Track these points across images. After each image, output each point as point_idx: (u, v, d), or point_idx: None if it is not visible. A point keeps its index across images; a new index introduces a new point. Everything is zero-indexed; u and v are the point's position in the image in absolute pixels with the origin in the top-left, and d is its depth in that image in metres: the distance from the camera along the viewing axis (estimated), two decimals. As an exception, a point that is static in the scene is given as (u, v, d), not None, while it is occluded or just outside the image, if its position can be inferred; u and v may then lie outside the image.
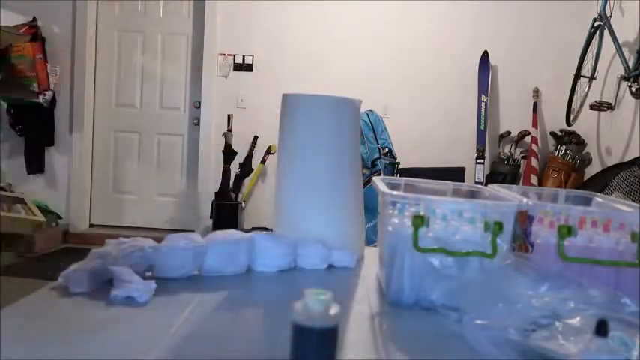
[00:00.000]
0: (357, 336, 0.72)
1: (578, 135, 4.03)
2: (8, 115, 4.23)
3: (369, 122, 3.85)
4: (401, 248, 0.84)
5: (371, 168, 3.75)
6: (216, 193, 4.18)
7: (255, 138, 4.31)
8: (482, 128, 4.17)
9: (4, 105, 4.24)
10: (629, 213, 0.91)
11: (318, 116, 1.12)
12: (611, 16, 3.44)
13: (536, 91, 4.21)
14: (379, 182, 1.01)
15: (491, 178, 4.09)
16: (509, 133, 4.25)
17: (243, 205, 4.26)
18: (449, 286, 0.80)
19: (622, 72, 3.34)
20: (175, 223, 4.54)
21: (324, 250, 1.06)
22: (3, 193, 4.04)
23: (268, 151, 4.28)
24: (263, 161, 4.32)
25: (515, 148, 4.23)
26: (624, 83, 3.36)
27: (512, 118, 4.28)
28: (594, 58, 3.61)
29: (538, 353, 0.61)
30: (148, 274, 0.94)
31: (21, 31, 4.06)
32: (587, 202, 1.10)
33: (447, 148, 4.28)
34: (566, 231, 0.80)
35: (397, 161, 3.86)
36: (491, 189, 1.05)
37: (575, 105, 3.85)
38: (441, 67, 4.27)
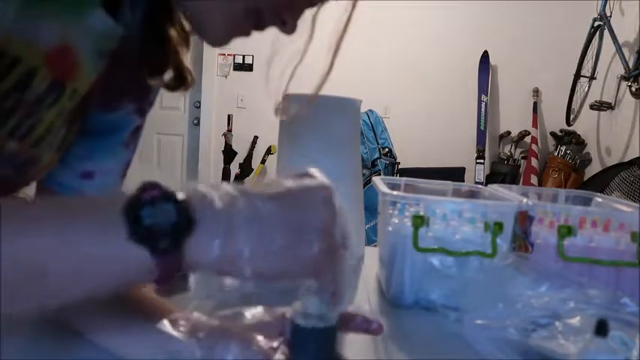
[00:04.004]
0: (357, 336, 0.72)
1: (578, 135, 4.03)
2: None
3: (369, 122, 3.85)
4: (401, 248, 0.84)
5: (371, 168, 3.75)
6: (216, 193, 4.18)
7: (255, 138, 4.31)
8: (482, 128, 4.17)
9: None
10: (629, 213, 0.91)
11: (318, 116, 1.12)
12: (611, 16, 3.44)
13: (536, 91, 4.21)
14: (379, 182, 1.01)
15: (492, 178, 4.09)
16: (509, 133, 4.25)
17: (243, 205, 4.26)
18: (449, 286, 0.80)
19: (622, 72, 3.34)
20: (175, 223, 4.54)
21: (324, 250, 1.06)
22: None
23: (268, 151, 4.29)
24: (263, 161, 4.32)
25: (515, 148, 4.23)
26: (624, 83, 3.36)
27: (512, 118, 4.28)
28: (594, 58, 3.61)
29: (538, 353, 0.61)
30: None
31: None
32: (587, 202, 1.10)
33: (447, 148, 4.28)
34: (566, 231, 0.80)
35: (397, 161, 3.86)
36: (492, 189, 1.05)
37: (575, 105, 3.85)
38: (441, 67, 4.27)
